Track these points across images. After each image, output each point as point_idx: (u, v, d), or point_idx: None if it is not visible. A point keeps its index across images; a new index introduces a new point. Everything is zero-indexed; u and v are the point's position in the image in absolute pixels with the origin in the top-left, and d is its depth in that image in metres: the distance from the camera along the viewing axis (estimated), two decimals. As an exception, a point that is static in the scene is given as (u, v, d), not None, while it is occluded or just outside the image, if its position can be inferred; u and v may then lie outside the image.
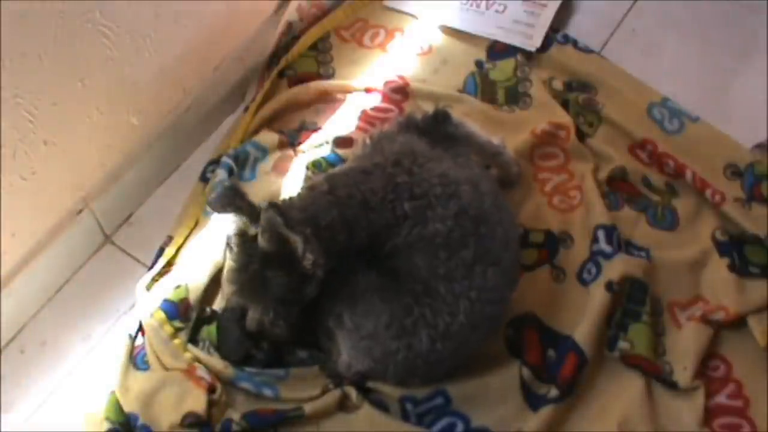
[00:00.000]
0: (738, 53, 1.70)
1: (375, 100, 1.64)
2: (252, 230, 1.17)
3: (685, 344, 1.34)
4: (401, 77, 1.66)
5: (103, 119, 1.40)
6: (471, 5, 1.77)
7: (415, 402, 1.29)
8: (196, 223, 1.50)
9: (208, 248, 1.45)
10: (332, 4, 1.78)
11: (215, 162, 1.56)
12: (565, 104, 1.62)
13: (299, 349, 1.34)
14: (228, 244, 1.26)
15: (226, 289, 1.42)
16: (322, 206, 1.19)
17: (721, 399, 1.30)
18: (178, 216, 1.52)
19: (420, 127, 1.35)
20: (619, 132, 1.58)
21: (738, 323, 1.36)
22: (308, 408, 1.29)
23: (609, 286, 1.36)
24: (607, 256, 1.40)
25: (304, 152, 1.57)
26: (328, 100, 1.66)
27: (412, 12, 1.78)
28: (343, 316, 1.24)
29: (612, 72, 1.67)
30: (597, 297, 1.36)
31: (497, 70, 1.68)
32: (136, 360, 1.36)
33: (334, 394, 1.30)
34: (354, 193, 1.21)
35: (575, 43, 1.71)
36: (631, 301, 1.37)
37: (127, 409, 1.29)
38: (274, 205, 1.14)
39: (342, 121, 1.62)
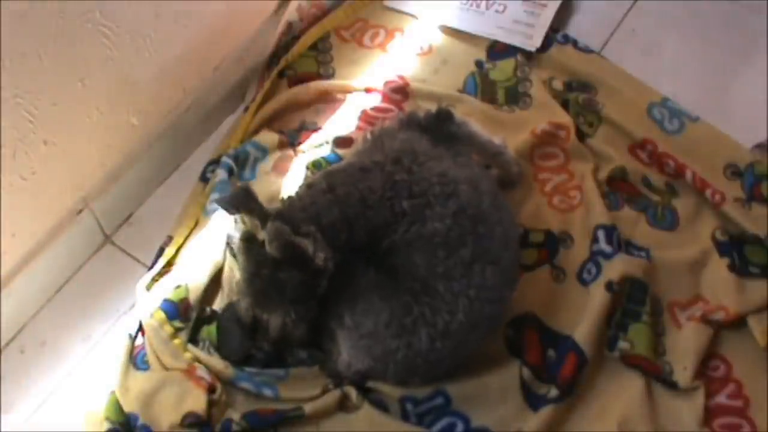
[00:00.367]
0: (738, 53, 1.70)
1: (375, 100, 1.64)
2: (261, 234, 1.17)
3: (685, 344, 1.34)
4: (401, 77, 1.66)
5: (103, 119, 1.40)
6: (471, 5, 1.77)
7: (415, 402, 1.29)
8: (196, 223, 1.50)
9: (208, 248, 1.45)
10: (332, 4, 1.79)
11: (215, 162, 1.57)
12: (565, 104, 1.62)
13: (299, 349, 1.34)
14: (231, 248, 1.26)
15: (226, 290, 1.42)
16: (322, 205, 1.20)
17: (721, 399, 1.30)
18: (178, 216, 1.52)
19: (422, 125, 1.35)
20: (619, 132, 1.58)
21: (738, 323, 1.36)
22: (308, 408, 1.29)
23: (609, 286, 1.36)
24: (607, 256, 1.40)
25: (304, 152, 1.57)
26: (328, 100, 1.66)
27: (412, 12, 1.78)
28: (343, 315, 1.24)
29: (612, 72, 1.67)
30: (597, 297, 1.36)
31: (497, 70, 1.68)
32: (136, 360, 1.36)
33: (334, 394, 1.29)
34: (353, 191, 1.21)
35: (575, 43, 1.71)
36: (631, 301, 1.37)
37: (127, 409, 1.29)
38: (279, 215, 1.14)
39: (342, 121, 1.62)
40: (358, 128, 1.59)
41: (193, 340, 1.38)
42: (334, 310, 1.25)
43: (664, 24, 1.75)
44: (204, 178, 1.56)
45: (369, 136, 1.34)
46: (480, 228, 1.23)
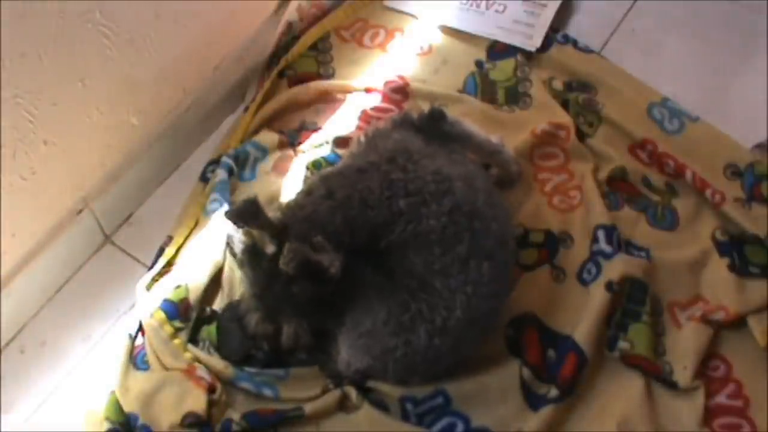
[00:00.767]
0: (738, 53, 1.70)
1: (375, 100, 1.64)
2: (269, 248, 1.16)
3: (685, 344, 1.34)
4: (401, 77, 1.66)
5: (103, 119, 1.40)
6: (471, 5, 1.77)
7: (415, 402, 1.29)
8: (196, 223, 1.50)
9: (208, 248, 1.45)
10: (332, 4, 1.79)
11: (215, 162, 1.57)
12: (565, 104, 1.62)
13: (300, 351, 1.34)
14: (231, 248, 1.25)
15: (226, 290, 1.42)
16: (325, 212, 1.20)
17: (721, 399, 1.30)
18: (178, 216, 1.52)
19: (415, 125, 1.35)
20: (619, 132, 1.58)
21: (738, 323, 1.36)
22: (308, 408, 1.29)
23: (609, 286, 1.36)
24: (607, 256, 1.40)
25: (304, 152, 1.57)
26: (328, 100, 1.66)
27: (412, 12, 1.78)
28: (341, 315, 1.25)
29: (612, 72, 1.67)
30: (597, 297, 1.36)
31: (497, 70, 1.68)
32: (136, 360, 1.36)
33: (334, 394, 1.30)
34: (352, 194, 1.21)
35: (575, 43, 1.71)
36: (631, 301, 1.37)
37: (127, 409, 1.29)
38: (285, 227, 1.15)
39: (342, 121, 1.62)
40: (358, 128, 1.59)
41: (193, 340, 1.38)
42: (334, 310, 1.25)
43: (664, 24, 1.75)
44: (204, 178, 1.56)
45: (362, 138, 1.35)
46: (476, 224, 1.23)
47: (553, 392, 1.28)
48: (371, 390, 1.31)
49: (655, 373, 1.32)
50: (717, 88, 1.65)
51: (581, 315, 1.35)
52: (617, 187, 1.52)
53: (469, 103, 1.63)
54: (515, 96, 1.64)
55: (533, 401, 1.29)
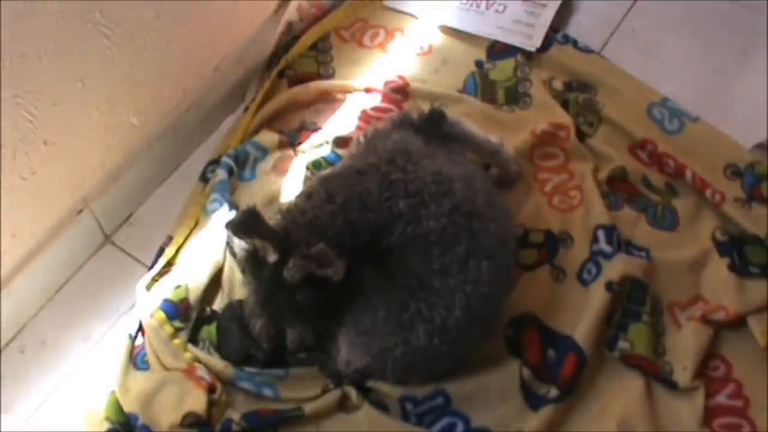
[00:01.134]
0: (738, 53, 1.70)
1: (375, 100, 1.64)
2: (270, 256, 1.16)
3: (685, 344, 1.34)
4: (401, 77, 1.66)
5: (103, 119, 1.40)
6: (471, 5, 1.77)
7: (415, 402, 1.29)
8: (196, 223, 1.50)
9: (208, 248, 1.45)
10: (332, 4, 1.79)
11: (215, 162, 1.57)
12: (565, 104, 1.62)
13: (302, 351, 1.34)
14: (231, 248, 1.25)
15: (226, 290, 1.42)
16: (326, 217, 1.20)
17: (721, 399, 1.30)
18: (178, 216, 1.52)
19: (415, 126, 1.35)
20: (619, 132, 1.58)
21: (738, 323, 1.36)
22: (308, 408, 1.29)
23: (609, 286, 1.36)
24: (607, 256, 1.40)
25: (304, 152, 1.57)
26: (328, 100, 1.66)
27: (412, 12, 1.78)
28: (341, 314, 1.25)
29: (612, 72, 1.67)
30: (597, 297, 1.36)
31: (497, 70, 1.68)
32: (136, 360, 1.36)
33: (334, 394, 1.30)
34: (352, 196, 1.21)
35: (575, 43, 1.71)
36: (631, 301, 1.37)
37: (127, 409, 1.29)
38: (286, 234, 1.16)
39: (342, 121, 1.62)
40: (358, 128, 1.59)
41: (193, 340, 1.38)
42: (334, 310, 1.25)
43: (664, 24, 1.75)
44: (204, 178, 1.56)
45: (362, 139, 1.35)
46: (475, 224, 1.23)
47: (553, 392, 1.28)
48: (371, 390, 1.31)
49: (655, 373, 1.32)
50: (717, 88, 1.65)
51: (581, 315, 1.35)
52: (617, 187, 1.52)
53: (469, 103, 1.63)
54: (515, 96, 1.64)
55: (533, 401, 1.29)
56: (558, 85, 1.66)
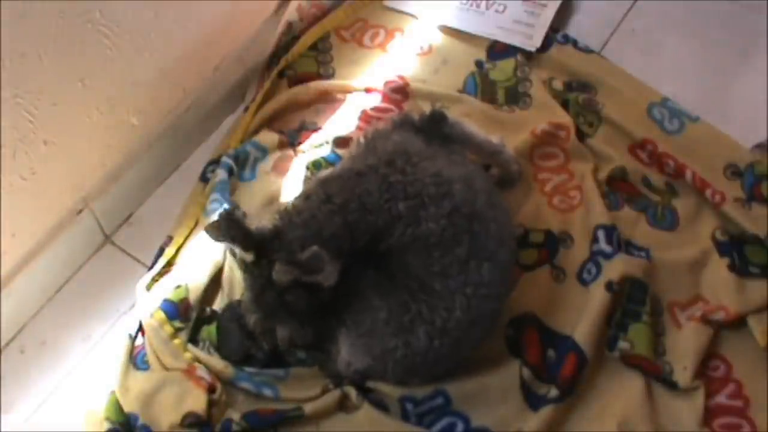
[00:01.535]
0: (738, 53, 1.70)
1: (375, 100, 1.64)
2: (248, 257, 1.17)
3: (685, 344, 1.34)
4: (401, 77, 1.66)
5: (103, 119, 1.40)
6: (471, 5, 1.77)
7: (415, 402, 1.29)
8: (196, 223, 1.50)
9: (208, 248, 1.45)
10: (332, 4, 1.79)
11: (215, 162, 1.57)
12: (565, 104, 1.62)
13: (299, 349, 1.34)
14: (231, 249, 1.25)
15: (226, 290, 1.42)
16: (323, 217, 1.20)
17: (721, 399, 1.30)
18: (178, 216, 1.52)
19: (416, 126, 1.35)
20: (619, 132, 1.58)
21: (738, 323, 1.36)
22: (308, 408, 1.29)
23: (609, 286, 1.36)
24: (607, 256, 1.40)
25: (304, 152, 1.57)
26: (328, 100, 1.66)
27: (412, 12, 1.78)
28: (342, 315, 1.25)
29: (612, 72, 1.67)
30: (597, 297, 1.36)
31: (497, 70, 1.68)
32: (136, 360, 1.36)
33: (334, 394, 1.30)
34: (351, 198, 1.21)
35: (575, 43, 1.71)
36: (631, 301, 1.37)
37: (127, 409, 1.29)
38: (278, 234, 1.16)
39: (342, 121, 1.62)
40: (358, 128, 1.59)
41: (193, 340, 1.38)
42: (334, 311, 1.25)
43: (664, 24, 1.75)
44: (204, 178, 1.56)
45: (362, 140, 1.34)
46: (475, 226, 1.23)
47: (553, 392, 1.28)
48: (371, 390, 1.31)
49: (655, 373, 1.32)
50: (717, 88, 1.65)
51: (581, 315, 1.35)
52: (617, 187, 1.52)
53: (469, 103, 1.63)
54: (515, 96, 1.64)
55: (533, 401, 1.29)
56: (558, 85, 1.66)
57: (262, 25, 1.69)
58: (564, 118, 1.58)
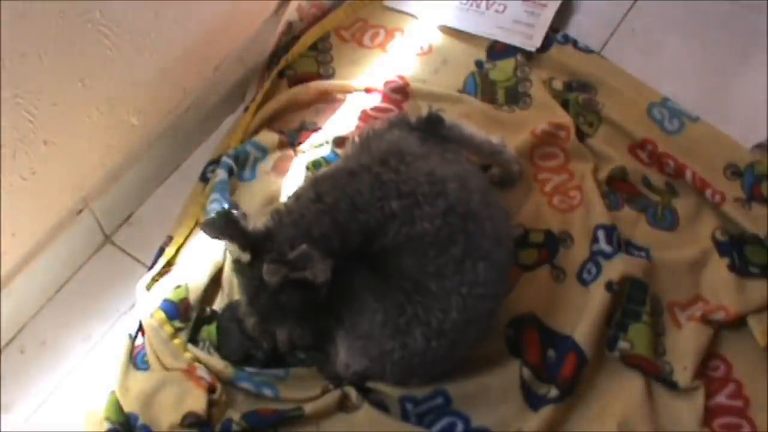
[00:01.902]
0: (738, 53, 1.70)
1: (375, 100, 1.64)
2: (244, 257, 1.17)
3: (685, 344, 1.34)
4: (401, 77, 1.66)
5: (103, 119, 1.40)
6: (471, 5, 1.77)
7: (415, 402, 1.29)
8: (196, 223, 1.50)
9: (208, 248, 1.45)
10: (332, 4, 1.79)
11: (215, 162, 1.57)
12: (565, 104, 1.62)
13: (299, 350, 1.34)
14: (232, 266, 1.25)
15: (226, 290, 1.42)
16: (313, 217, 1.20)
17: (721, 399, 1.30)
18: (178, 216, 1.52)
19: (411, 127, 1.35)
20: (619, 132, 1.58)
21: (738, 323, 1.36)
22: (308, 408, 1.29)
23: (609, 286, 1.36)
24: (607, 256, 1.40)
25: (304, 152, 1.57)
26: (328, 100, 1.66)
27: (412, 12, 1.78)
28: (339, 317, 1.24)
29: (612, 72, 1.67)
30: (597, 297, 1.36)
31: (497, 70, 1.68)
32: (136, 360, 1.36)
33: (334, 394, 1.30)
34: (342, 197, 1.21)
35: (575, 43, 1.71)
36: (631, 301, 1.37)
37: (127, 409, 1.29)
38: (269, 234, 1.16)
39: (342, 121, 1.62)
40: (358, 128, 1.59)
41: (193, 340, 1.38)
42: (332, 312, 1.25)
43: (664, 24, 1.75)
44: (204, 178, 1.56)
45: (357, 139, 1.34)
46: (470, 225, 1.22)
47: (553, 392, 1.28)
48: (371, 390, 1.31)
49: (655, 373, 1.32)
50: (717, 88, 1.65)
51: (581, 315, 1.35)
52: (617, 187, 1.52)
53: (469, 103, 1.63)
54: (515, 96, 1.64)
55: (533, 401, 1.29)
56: (558, 85, 1.66)
57: (262, 25, 1.69)
58: (564, 118, 1.58)
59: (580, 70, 1.67)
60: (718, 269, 1.42)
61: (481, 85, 1.66)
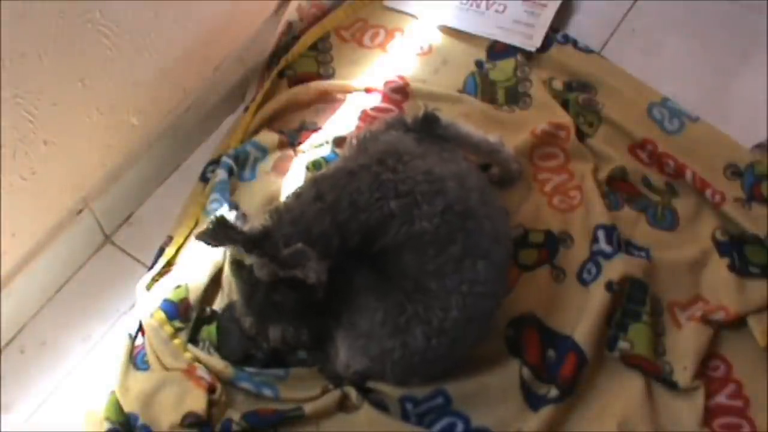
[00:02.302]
0: (738, 53, 1.70)
1: (375, 100, 1.64)
2: (247, 260, 1.17)
3: (685, 344, 1.34)
4: (401, 77, 1.66)
5: (103, 119, 1.40)
6: (471, 5, 1.77)
7: (415, 402, 1.29)
8: (196, 223, 1.50)
9: (208, 248, 1.44)
10: (332, 4, 1.79)
11: (215, 162, 1.57)
12: (565, 104, 1.62)
13: (299, 350, 1.34)
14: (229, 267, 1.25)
15: (226, 290, 1.42)
16: (312, 215, 1.20)
17: (721, 399, 1.30)
18: (178, 216, 1.52)
19: (408, 128, 1.35)
20: (619, 132, 1.58)
21: (738, 323, 1.36)
22: (308, 408, 1.29)
23: (609, 286, 1.36)
24: (607, 256, 1.40)
25: (304, 152, 1.57)
26: (328, 100, 1.66)
27: (412, 12, 1.78)
28: (339, 316, 1.25)
29: (612, 72, 1.67)
30: (597, 297, 1.36)
31: (497, 70, 1.68)
32: (136, 360, 1.36)
33: (334, 394, 1.30)
34: (342, 196, 1.21)
35: (575, 43, 1.71)
36: (631, 301, 1.37)
37: (127, 409, 1.29)
38: (267, 233, 1.16)
39: (342, 121, 1.62)
40: (358, 128, 1.59)
41: (193, 340, 1.38)
42: (332, 311, 1.25)
43: (664, 24, 1.75)
44: (204, 178, 1.56)
45: (354, 141, 1.35)
46: (469, 224, 1.22)
47: (553, 392, 1.28)
48: (371, 390, 1.31)
49: (655, 373, 1.32)
50: (717, 88, 1.65)
51: (581, 315, 1.35)
52: (617, 187, 1.52)
53: (469, 103, 1.63)
54: (515, 96, 1.64)
55: (533, 401, 1.29)
56: (558, 85, 1.66)
57: (262, 25, 1.69)
58: (564, 118, 1.58)
59: (580, 70, 1.67)
60: (718, 269, 1.42)
61: (481, 85, 1.66)
